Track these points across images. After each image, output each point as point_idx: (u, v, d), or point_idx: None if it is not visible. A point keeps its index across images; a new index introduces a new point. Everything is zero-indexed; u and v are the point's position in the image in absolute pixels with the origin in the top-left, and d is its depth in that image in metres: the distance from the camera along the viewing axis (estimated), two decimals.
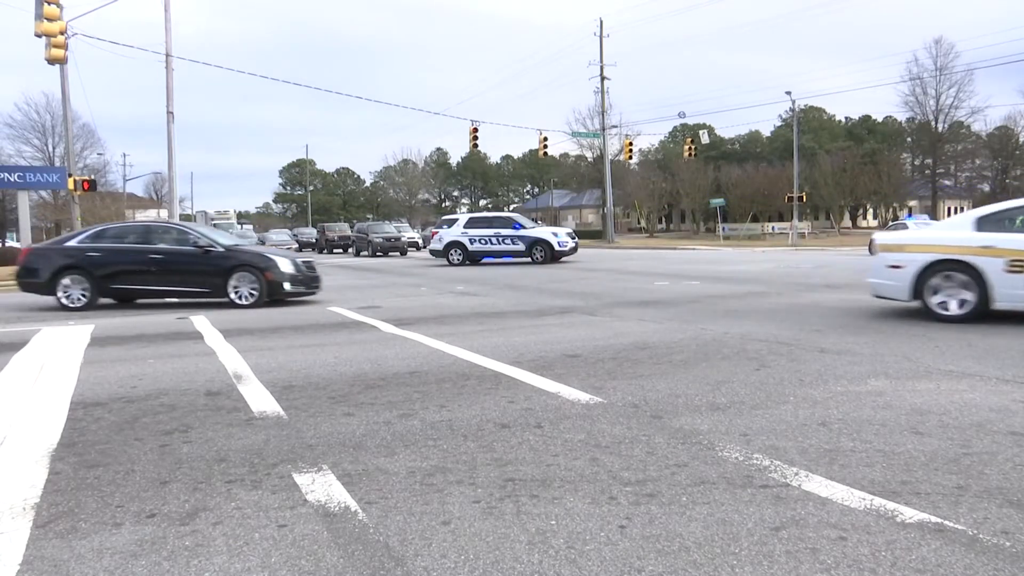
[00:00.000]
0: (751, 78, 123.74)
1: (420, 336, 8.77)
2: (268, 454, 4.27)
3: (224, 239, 13.89)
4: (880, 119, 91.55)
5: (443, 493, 3.59)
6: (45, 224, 56.18)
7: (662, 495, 3.51)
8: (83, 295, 12.86)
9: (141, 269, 13.01)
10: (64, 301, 12.83)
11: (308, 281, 13.33)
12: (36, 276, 13.22)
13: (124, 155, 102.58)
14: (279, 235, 46.46)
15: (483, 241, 26.40)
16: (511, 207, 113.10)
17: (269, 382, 6.26)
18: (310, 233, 54.06)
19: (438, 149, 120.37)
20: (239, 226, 60.14)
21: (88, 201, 41.92)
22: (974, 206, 76.17)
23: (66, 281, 12.90)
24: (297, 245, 43.66)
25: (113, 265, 13.03)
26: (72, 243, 13.58)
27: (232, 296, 12.66)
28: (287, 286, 12.86)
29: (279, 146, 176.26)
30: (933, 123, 69.13)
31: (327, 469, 3.97)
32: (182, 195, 67.52)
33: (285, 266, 12.95)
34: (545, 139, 46.29)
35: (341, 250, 45.98)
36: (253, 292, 12.61)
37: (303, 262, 13.50)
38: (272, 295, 12.68)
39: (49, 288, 13.00)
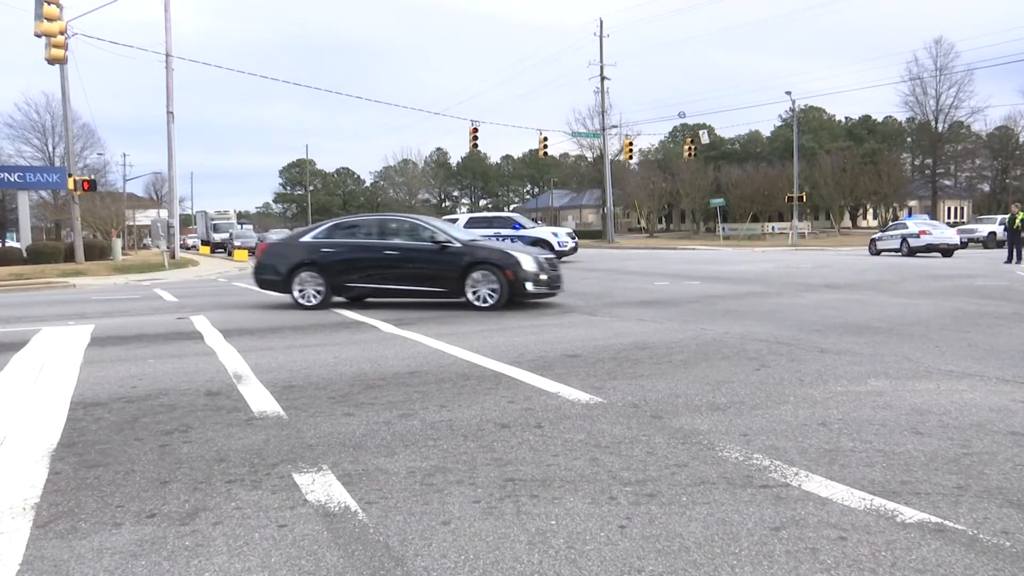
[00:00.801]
0: (751, 78, 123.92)
1: (420, 336, 8.77)
2: (268, 454, 4.27)
3: (461, 234, 12.74)
4: (880, 119, 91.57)
5: (443, 493, 3.59)
6: (45, 224, 56.19)
7: (662, 495, 3.51)
8: (317, 293, 12.13)
9: (375, 266, 12.10)
10: (299, 300, 12.16)
11: (551, 281, 11.93)
12: (274, 273, 12.54)
13: (124, 155, 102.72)
14: (279, 235, 46.44)
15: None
16: (511, 207, 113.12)
17: (269, 382, 6.26)
18: None
19: (438, 149, 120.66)
20: (239, 226, 60.13)
21: (88, 201, 41.93)
22: (974, 206, 76.58)
23: (302, 278, 12.20)
24: None
25: (347, 262, 12.20)
26: (307, 238, 12.74)
27: (470, 297, 11.46)
28: (530, 286, 11.47)
29: (279, 146, 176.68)
30: (933, 123, 69.14)
31: (327, 469, 3.97)
32: (182, 195, 67.57)
33: (528, 264, 11.54)
34: (545, 139, 46.31)
35: None
36: (493, 293, 11.35)
37: (546, 259, 12.14)
38: (513, 296, 11.39)
39: (286, 286, 12.34)
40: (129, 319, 11.51)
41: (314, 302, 12.07)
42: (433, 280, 11.80)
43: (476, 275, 11.49)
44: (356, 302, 12.48)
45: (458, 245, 11.86)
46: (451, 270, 11.64)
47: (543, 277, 11.70)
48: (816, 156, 71.89)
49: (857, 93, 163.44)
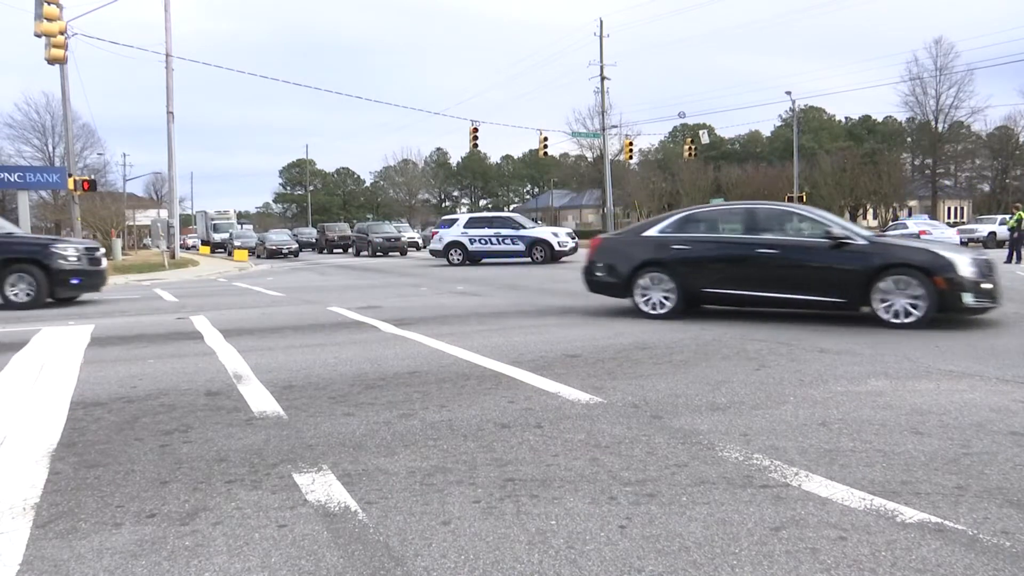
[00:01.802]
0: (751, 78, 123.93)
1: (420, 336, 8.77)
2: (268, 454, 4.27)
3: (863, 230, 10.37)
4: (880, 119, 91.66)
5: (443, 493, 3.59)
6: (45, 224, 56.24)
7: (662, 495, 3.51)
8: (665, 299, 10.11)
9: (745, 268, 9.83)
10: (642, 306, 10.26)
11: (992, 291, 9.15)
12: (611, 274, 10.72)
13: (124, 155, 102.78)
14: (279, 235, 46.51)
15: (483, 241, 26.41)
16: (511, 207, 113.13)
17: (269, 382, 6.26)
18: (310, 233, 54.12)
19: (438, 149, 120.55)
20: (239, 226, 60.18)
21: (88, 201, 41.94)
22: (974, 206, 76.59)
23: (645, 281, 10.27)
24: (297, 245, 43.75)
25: (708, 262, 10.09)
26: (652, 232, 10.64)
27: (877, 308, 8.95)
28: (968, 298, 8.74)
29: (279, 146, 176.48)
30: (933, 123, 69.12)
31: (327, 469, 3.97)
32: (182, 195, 67.64)
33: (965, 268, 8.82)
34: (545, 139, 46.26)
35: (341, 250, 46.02)
36: (914, 305, 8.74)
37: (983, 261, 9.22)
38: (943, 308, 8.74)
39: (626, 289, 10.51)
40: (129, 319, 11.50)
41: (662, 310, 10.11)
42: (825, 286, 9.36)
43: (888, 281, 8.94)
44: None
45: (862, 242, 9.36)
46: (852, 274, 9.18)
47: (984, 286, 8.96)
48: (816, 156, 71.95)
49: (857, 93, 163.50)
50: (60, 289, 13.61)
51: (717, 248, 10.18)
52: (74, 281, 13.74)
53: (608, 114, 53.21)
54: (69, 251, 13.65)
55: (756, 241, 9.81)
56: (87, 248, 14.35)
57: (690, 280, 10.04)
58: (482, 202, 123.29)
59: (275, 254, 41.26)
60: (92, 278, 14.23)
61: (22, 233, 16.21)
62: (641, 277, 10.32)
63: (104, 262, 14.89)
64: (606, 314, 10.66)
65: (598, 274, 10.95)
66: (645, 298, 10.29)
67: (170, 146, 32.75)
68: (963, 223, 51.75)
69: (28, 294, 13.21)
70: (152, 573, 2.83)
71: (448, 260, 26.91)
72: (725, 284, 9.93)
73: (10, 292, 13.18)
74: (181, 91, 28.36)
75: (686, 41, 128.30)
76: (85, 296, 14.80)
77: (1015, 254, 23.42)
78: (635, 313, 10.60)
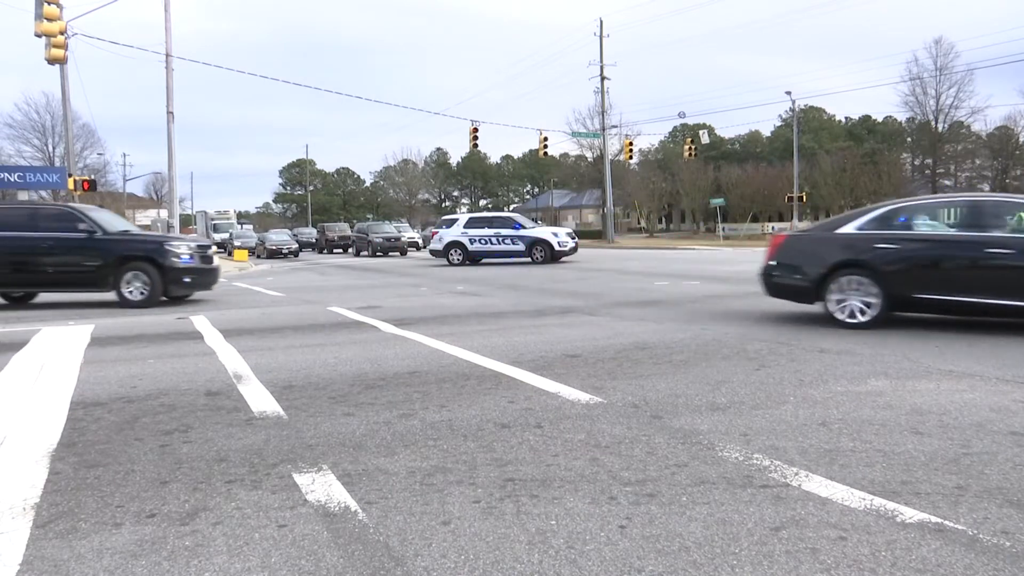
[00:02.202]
0: (751, 78, 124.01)
1: (420, 336, 8.77)
2: (268, 454, 4.27)
3: None
4: (880, 119, 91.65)
5: (443, 493, 3.59)
6: None
7: (662, 495, 3.51)
8: (865, 306, 8.65)
9: (971, 272, 8.31)
10: (837, 313, 8.81)
11: None
12: (797, 276, 9.37)
13: (124, 155, 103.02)
14: (279, 235, 46.53)
15: (483, 241, 26.42)
16: (511, 207, 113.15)
17: (269, 382, 6.26)
18: (310, 233, 54.16)
19: (438, 149, 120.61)
20: (239, 226, 60.19)
21: (88, 201, 41.96)
22: None
23: (841, 284, 8.84)
24: (297, 245, 43.77)
25: (923, 264, 8.57)
26: (848, 228, 9.17)
27: None
28: None
29: (279, 146, 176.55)
30: (933, 123, 69.14)
31: (327, 469, 3.97)
32: (182, 195, 67.62)
33: None
34: (545, 139, 46.30)
35: (341, 250, 46.04)
36: None
37: None
38: None
39: (816, 293, 9.07)
40: (129, 319, 11.50)
41: (861, 318, 8.64)
42: None
43: None
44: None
45: None
46: None
47: None
48: (816, 156, 71.98)
49: (857, 93, 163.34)
50: (174, 287, 13.60)
51: (934, 248, 8.66)
52: (186, 280, 13.72)
53: (608, 114, 53.32)
54: (183, 249, 13.60)
55: (985, 240, 8.27)
56: (199, 246, 14.29)
57: (899, 284, 8.56)
58: (482, 202, 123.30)
59: (275, 254, 41.28)
60: (204, 276, 14.21)
61: (137, 231, 16.03)
62: (836, 280, 8.90)
63: (216, 260, 14.80)
64: (606, 314, 10.66)
65: (780, 276, 9.61)
66: (841, 304, 8.85)
67: (170, 146, 32.76)
68: None
69: (143, 292, 13.21)
70: (152, 573, 2.83)
71: (448, 260, 26.91)
72: (944, 289, 8.40)
73: (126, 290, 13.20)
74: (181, 91, 28.36)
75: (686, 41, 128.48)
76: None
77: None
78: (634, 314, 10.61)
